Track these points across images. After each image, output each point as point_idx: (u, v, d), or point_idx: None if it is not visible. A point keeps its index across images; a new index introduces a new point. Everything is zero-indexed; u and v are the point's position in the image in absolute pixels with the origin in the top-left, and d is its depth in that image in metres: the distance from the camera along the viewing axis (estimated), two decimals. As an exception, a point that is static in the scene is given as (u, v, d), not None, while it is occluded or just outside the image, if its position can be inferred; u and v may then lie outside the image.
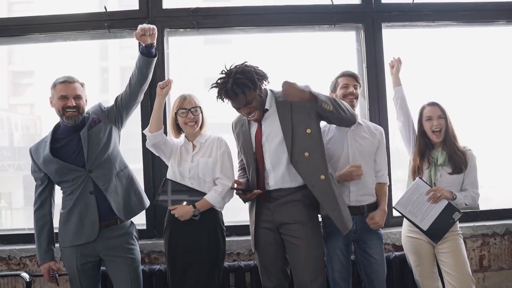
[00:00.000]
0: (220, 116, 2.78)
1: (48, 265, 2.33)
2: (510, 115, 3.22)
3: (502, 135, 3.26)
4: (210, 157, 2.38)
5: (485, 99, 3.23)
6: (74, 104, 2.28)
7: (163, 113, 2.41)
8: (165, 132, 2.50)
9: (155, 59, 2.39)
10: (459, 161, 2.47)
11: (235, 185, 2.30)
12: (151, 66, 2.39)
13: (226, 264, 2.61)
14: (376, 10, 3.01)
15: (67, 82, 2.30)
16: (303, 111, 2.21)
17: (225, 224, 2.41)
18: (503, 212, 3.03)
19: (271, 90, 2.33)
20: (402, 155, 2.85)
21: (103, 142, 2.32)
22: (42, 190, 2.35)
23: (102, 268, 2.40)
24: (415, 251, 2.48)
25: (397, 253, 2.72)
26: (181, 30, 3.00)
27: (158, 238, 2.83)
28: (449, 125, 2.50)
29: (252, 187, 2.28)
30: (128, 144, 2.86)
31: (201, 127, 2.45)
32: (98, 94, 3.70)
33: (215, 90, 2.21)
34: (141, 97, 2.46)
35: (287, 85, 2.08)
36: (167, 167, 2.49)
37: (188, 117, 2.37)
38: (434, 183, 2.46)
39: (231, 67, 2.20)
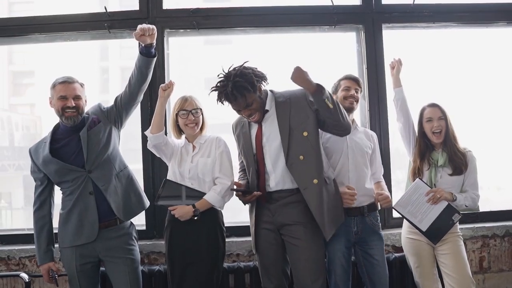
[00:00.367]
0: (221, 117, 2.78)
1: (47, 266, 2.33)
2: (510, 116, 3.22)
3: (502, 136, 3.26)
4: (209, 157, 2.37)
5: (485, 100, 3.22)
6: (74, 105, 2.28)
7: (164, 114, 2.41)
8: (166, 133, 2.49)
9: (155, 59, 2.39)
10: (459, 162, 2.47)
11: (235, 187, 2.30)
12: (151, 66, 2.38)
13: (225, 265, 2.61)
14: (376, 11, 3.01)
15: (67, 82, 2.30)
16: (302, 113, 2.21)
17: (225, 225, 2.41)
18: (503, 213, 3.02)
19: (271, 91, 2.33)
20: (402, 156, 2.85)
21: (102, 142, 2.32)
22: (41, 191, 2.35)
23: (102, 268, 2.40)
24: (415, 252, 2.48)
25: (397, 255, 2.71)
26: (181, 30, 3.00)
27: (157, 239, 2.83)
28: (449, 127, 2.50)
29: (253, 188, 2.27)
30: (128, 144, 2.86)
31: (201, 129, 2.45)
32: (98, 94, 3.71)
33: (215, 93, 2.21)
34: (141, 97, 2.46)
35: (298, 71, 2.07)
36: (167, 167, 2.48)
37: (189, 118, 2.37)
38: (434, 184, 2.46)
39: (230, 70, 2.20)
